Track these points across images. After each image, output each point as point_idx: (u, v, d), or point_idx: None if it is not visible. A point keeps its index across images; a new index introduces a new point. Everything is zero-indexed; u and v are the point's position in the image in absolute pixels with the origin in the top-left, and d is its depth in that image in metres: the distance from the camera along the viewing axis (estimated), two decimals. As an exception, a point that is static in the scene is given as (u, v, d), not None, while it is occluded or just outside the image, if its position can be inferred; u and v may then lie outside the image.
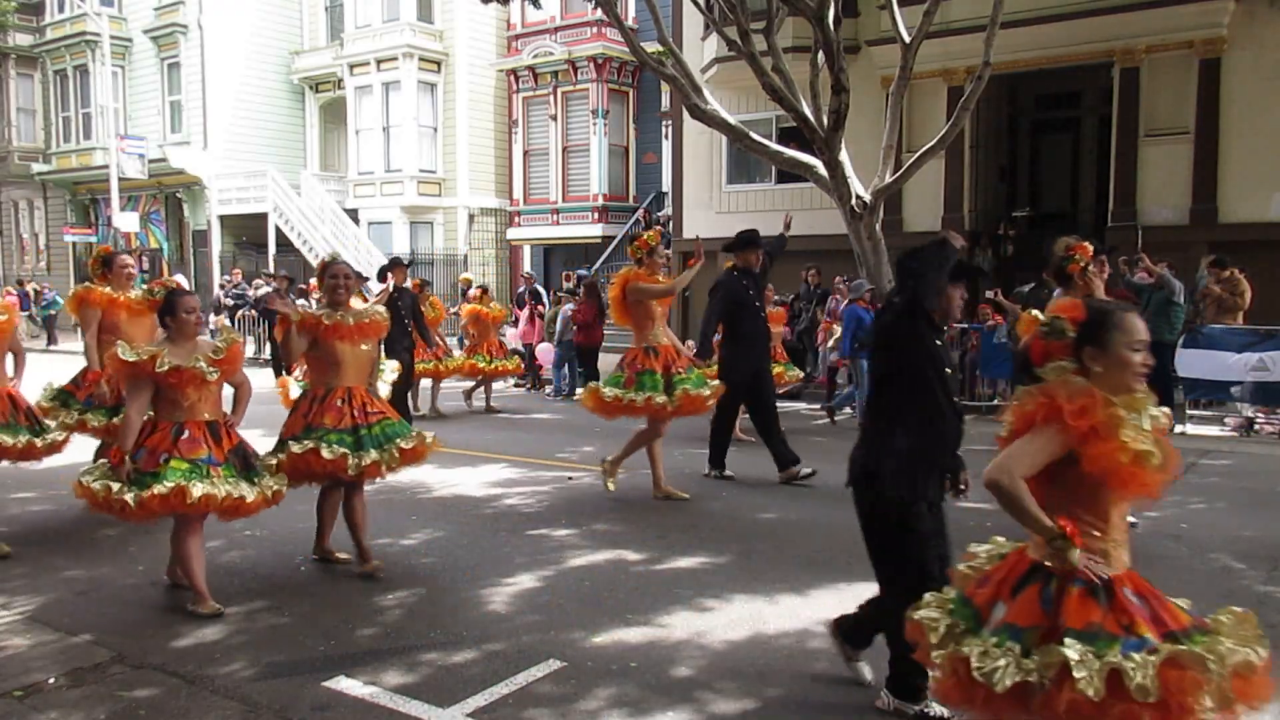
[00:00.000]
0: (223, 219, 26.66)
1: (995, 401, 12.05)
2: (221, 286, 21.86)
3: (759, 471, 8.28)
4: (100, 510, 4.71)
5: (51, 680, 4.04)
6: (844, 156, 13.09)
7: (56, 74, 29.59)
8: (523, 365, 14.29)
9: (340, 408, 5.24)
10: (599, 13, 18.32)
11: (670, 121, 20.74)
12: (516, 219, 24.69)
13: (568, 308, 14.08)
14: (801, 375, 12.01)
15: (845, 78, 12.75)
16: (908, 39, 12.64)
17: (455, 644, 4.42)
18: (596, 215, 23.34)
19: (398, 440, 5.29)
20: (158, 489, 4.52)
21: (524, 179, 24.55)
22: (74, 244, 29.75)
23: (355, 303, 7.31)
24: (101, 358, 6.38)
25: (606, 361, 15.38)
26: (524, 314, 15.22)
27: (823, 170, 13.24)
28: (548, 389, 14.28)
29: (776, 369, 10.58)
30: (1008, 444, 2.79)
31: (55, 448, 6.15)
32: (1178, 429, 10.36)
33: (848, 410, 11.64)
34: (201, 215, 27.19)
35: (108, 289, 6.66)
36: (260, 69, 27.18)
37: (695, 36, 18.03)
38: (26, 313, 25.22)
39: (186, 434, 4.72)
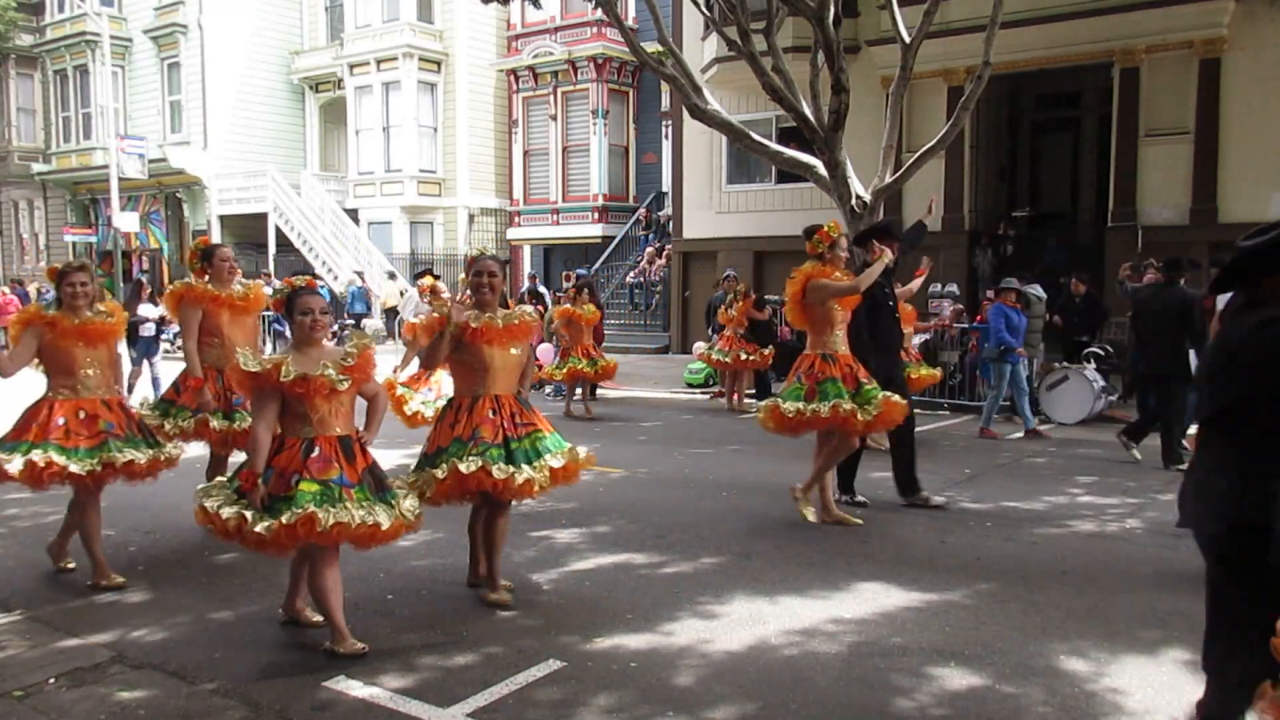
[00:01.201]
0: (223, 219, 26.68)
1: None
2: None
3: (757, 473, 8.28)
4: (229, 540, 4.26)
5: (51, 680, 4.03)
6: (844, 156, 13.08)
7: (56, 74, 29.60)
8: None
9: (493, 419, 4.76)
10: (599, 13, 18.31)
11: (670, 121, 20.75)
12: (516, 219, 24.70)
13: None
14: (939, 374, 10.81)
15: (845, 78, 12.75)
16: (908, 39, 12.64)
17: (455, 644, 4.42)
18: (596, 215, 23.35)
19: (547, 457, 4.80)
20: (284, 519, 4.04)
21: (524, 179, 24.55)
22: (74, 244, 29.75)
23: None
24: (202, 361, 6.02)
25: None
26: None
27: (823, 170, 13.24)
28: (548, 389, 14.26)
29: (912, 372, 9.55)
30: None
31: (172, 462, 5.50)
32: (1178, 429, 10.37)
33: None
34: (201, 215, 27.20)
35: (209, 285, 6.05)
36: (260, 69, 27.19)
37: (695, 36, 18.03)
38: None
39: (317, 451, 4.21)
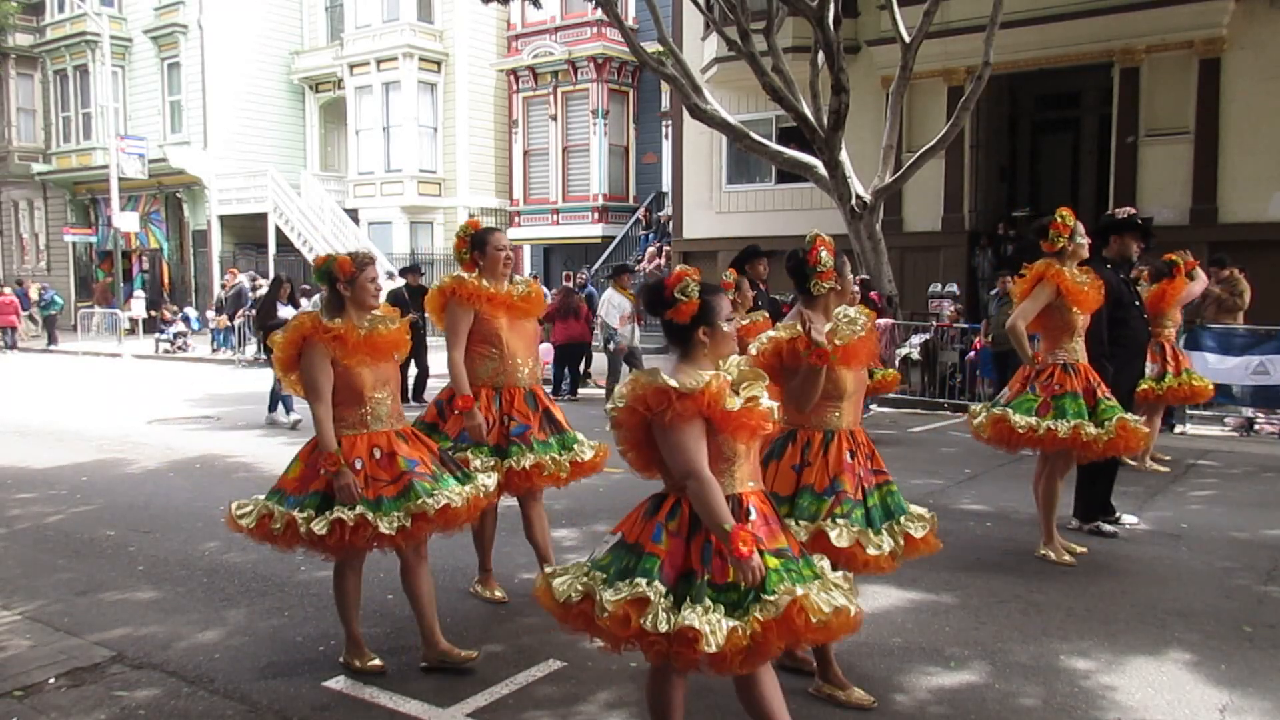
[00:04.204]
0: (223, 219, 26.71)
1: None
2: (222, 286, 21.87)
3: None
4: (649, 653, 2.81)
5: (51, 680, 4.03)
6: (844, 156, 13.10)
7: (56, 74, 29.61)
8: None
9: (850, 464, 3.72)
10: (599, 13, 18.33)
11: (670, 121, 20.76)
12: (516, 219, 24.71)
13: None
14: (1210, 387, 8.50)
15: (845, 78, 12.76)
16: (908, 39, 12.65)
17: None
18: (596, 215, 23.37)
19: (904, 519, 3.77)
20: (762, 614, 2.70)
21: (524, 179, 24.58)
22: (74, 244, 29.79)
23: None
24: (475, 377, 4.67)
25: (600, 361, 15.31)
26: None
27: (823, 170, 13.25)
28: (546, 389, 14.17)
29: (1171, 384, 8.02)
30: None
31: (490, 496, 4.23)
32: (1177, 429, 10.37)
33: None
34: (201, 215, 27.22)
35: (483, 281, 4.70)
36: (260, 69, 27.20)
37: (695, 36, 18.04)
38: (26, 312, 25.25)
39: (754, 513, 2.90)
